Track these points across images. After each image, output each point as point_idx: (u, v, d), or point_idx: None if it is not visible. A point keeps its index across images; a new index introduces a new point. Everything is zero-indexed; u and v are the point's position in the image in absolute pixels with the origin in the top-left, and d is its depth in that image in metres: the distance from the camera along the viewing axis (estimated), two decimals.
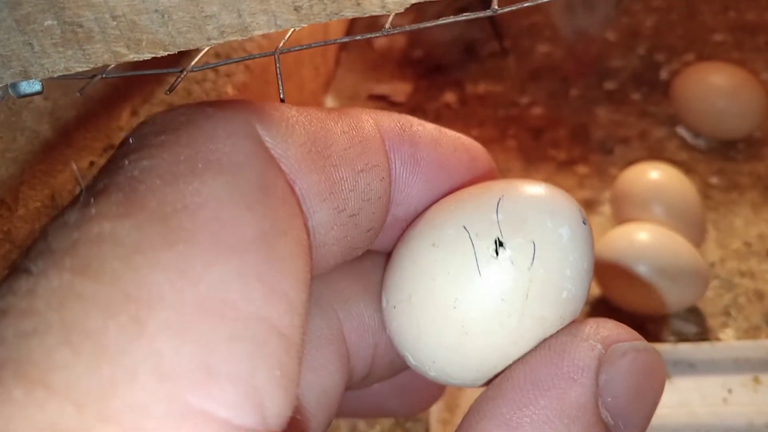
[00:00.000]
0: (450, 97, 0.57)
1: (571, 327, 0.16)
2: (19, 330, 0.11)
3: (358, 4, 0.14)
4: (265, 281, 0.13)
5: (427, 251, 0.16)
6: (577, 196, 0.17)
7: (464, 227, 0.16)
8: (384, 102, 0.57)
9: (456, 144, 0.18)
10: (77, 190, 0.13)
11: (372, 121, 0.17)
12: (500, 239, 0.16)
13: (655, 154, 0.49)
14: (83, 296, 0.11)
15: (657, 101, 0.53)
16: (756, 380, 0.34)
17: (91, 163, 0.28)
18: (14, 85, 0.16)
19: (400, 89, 0.58)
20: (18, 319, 0.11)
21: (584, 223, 0.16)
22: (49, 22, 0.14)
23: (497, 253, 0.15)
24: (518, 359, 0.16)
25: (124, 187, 0.13)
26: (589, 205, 0.47)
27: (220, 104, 0.15)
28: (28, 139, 0.25)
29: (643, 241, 0.39)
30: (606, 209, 0.46)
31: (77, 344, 0.11)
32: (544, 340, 0.16)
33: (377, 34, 0.17)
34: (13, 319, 0.11)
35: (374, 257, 0.19)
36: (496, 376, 0.16)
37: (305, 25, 0.15)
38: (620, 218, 0.42)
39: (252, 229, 0.13)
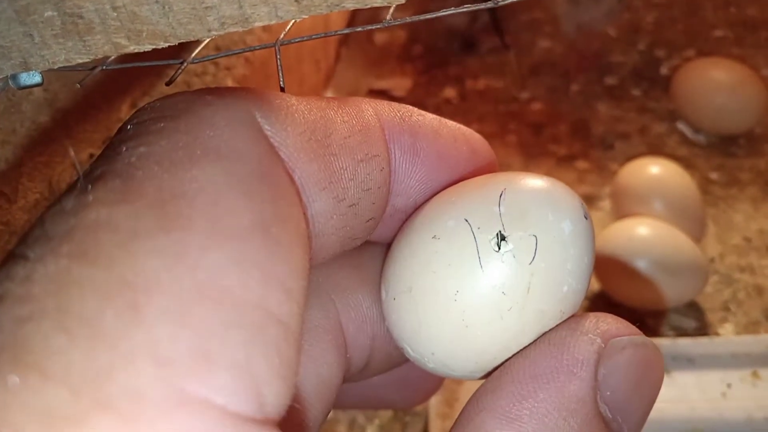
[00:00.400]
0: (450, 92, 0.57)
1: (570, 321, 0.16)
2: (16, 316, 0.11)
3: None
4: (262, 268, 0.13)
5: (428, 243, 0.16)
6: (577, 191, 0.17)
7: (466, 219, 0.16)
8: (384, 97, 0.57)
9: (456, 135, 0.18)
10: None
11: (372, 110, 0.17)
12: (503, 232, 0.15)
13: (656, 149, 0.49)
14: (80, 282, 0.11)
15: (657, 97, 0.53)
16: (755, 375, 0.34)
17: (91, 155, 0.28)
18: (14, 77, 0.16)
19: (400, 84, 0.58)
20: (14, 305, 0.11)
21: (586, 217, 0.16)
22: (49, 13, 0.14)
23: (499, 247, 0.15)
24: (518, 352, 0.16)
25: (122, 174, 0.13)
26: (589, 200, 0.47)
27: (219, 92, 0.15)
28: (27, 130, 0.25)
29: (643, 236, 0.39)
30: (606, 204, 0.46)
31: (73, 330, 0.11)
32: (544, 334, 0.16)
33: (378, 25, 0.16)
34: (9, 305, 0.11)
35: (373, 248, 0.19)
36: (496, 368, 0.16)
37: (306, 17, 0.15)
38: (620, 213, 0.42)
39: (250, 216, 0.13)
